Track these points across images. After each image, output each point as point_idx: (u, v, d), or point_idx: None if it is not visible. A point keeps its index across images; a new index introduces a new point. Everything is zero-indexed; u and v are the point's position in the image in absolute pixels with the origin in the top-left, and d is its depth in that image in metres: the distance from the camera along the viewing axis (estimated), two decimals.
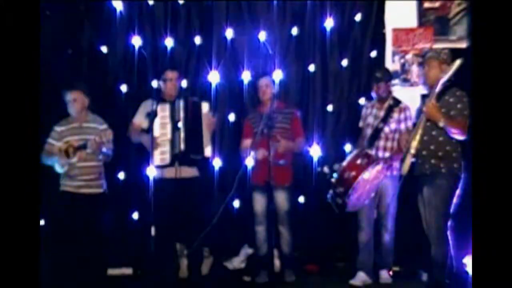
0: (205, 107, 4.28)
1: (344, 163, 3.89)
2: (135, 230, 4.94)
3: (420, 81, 4.94)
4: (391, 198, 4.21)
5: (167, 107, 4.19)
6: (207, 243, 4.13)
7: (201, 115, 4.23)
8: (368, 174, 3.84)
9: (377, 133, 4.25)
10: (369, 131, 4.33)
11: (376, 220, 4.34)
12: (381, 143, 4.26)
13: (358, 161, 3.87)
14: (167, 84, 4.30)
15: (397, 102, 4.33)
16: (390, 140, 4.26)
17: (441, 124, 3.52)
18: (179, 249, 4.45)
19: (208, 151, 4.24)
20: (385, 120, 4.25)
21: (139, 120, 4.32)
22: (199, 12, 5.17)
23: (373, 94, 4.42)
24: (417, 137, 3.59)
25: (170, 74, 4.31)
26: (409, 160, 3.62)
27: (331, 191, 3.94)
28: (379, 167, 3.96)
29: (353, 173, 3.80)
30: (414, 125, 3.90)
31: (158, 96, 4.28)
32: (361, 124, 4.52)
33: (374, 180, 3.95)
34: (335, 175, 3.88)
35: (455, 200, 3.64)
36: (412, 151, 3.59)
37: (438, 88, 3.52)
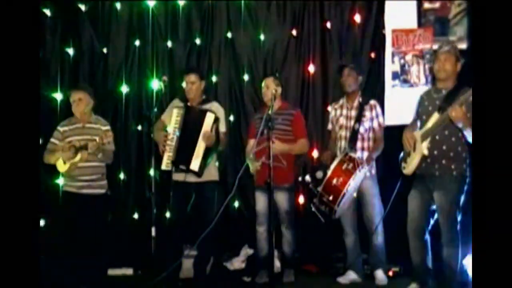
0: (209, 118, 4.10)
1: (329, 171, 3.84)
2: (135, 230, 4.95)
3: (421, 81, 4.93)
4: (375, 198, 4.20)
5: (181, 112, 4.19)
6: (208, 243, 4.11)
7: (201, 125, 4.08)
8: (356, 178, 3.83)
9: (355, 134, 4.19)
10: (343, 133, 4.31)
11: (364, 222, 4.30)
12: (358, 143, 4.22)
13: (344, 166, 3.85)
14: (186, 88, 4.32)
15: (365, 99, 4.29)
16: (366, 139, 4.25)
17: (465, 130, 3.43)
18: (184, 250, 4.45)
19: (195, 164, 4.06)
20: (359, 119, 4.20)
21: (164, 116, 4.35)
22: (199, 12, 5.18)
23: (344, 86, 4.37)
24: (429, 138, 3.56)
25: (187, 78, 4.31)
26: (417, 160, 3.61)
27: (315, 200, 3.89)
28: (364, 169, 3.96)
29: (341, 179, 3.79)
30: (415, 121, 3.85)
31: (184, 98, 4.34)
32: (330, 126, 4.51)
33: (358, 182, 3.95)
34: (319, 185, 3.83)
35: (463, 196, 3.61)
36: (425, 152, 3.55)
37: (468, 98, 3.32)
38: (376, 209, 4.21)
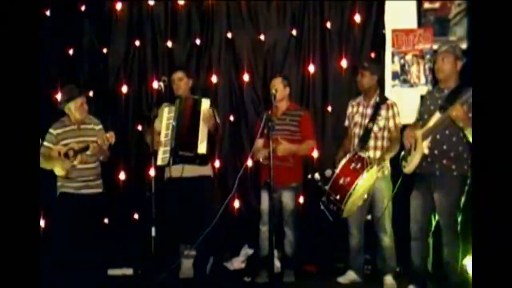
0: (205, 103, 4.20)
1: (338, 170, 3.80)
2: (135, 230, 4.94)
3: (421, 81, 4.92)
4: (385, 200, 4.11)
5: (173, 108, 4.23)
6: (208, 243, 4.11)
7: (199, 112, 4.16)
8: (364, 178, 3.77)
9: (368, 133, 4.14)
10: (357, 130, 4.26)
11: (372, 223, 4.27)
12: (371, 142, 4.15)
13: (352, 166, 3.79)
14: (173, 85, 4.38)
15: (383, 98, 4.25)
16: (380, 139, 4.18)
17: (465, 130, 3.44)
18: (182, 250, 4.45)
19: (202, 147, 4.12)
20: (374, 118, 4.15)
21: (156, 124, 4.35)
22: (199, 12, 5.18)
23: (359, 85, 4.35)
24: (430, 137, 3.55)
25: (174, 75, 4.38)
26: (417, 159, 3.60)
27: (324, 198, 3.86)
28: (374, 169, 3.88)
29: (348, 179, 3.73)
30: (417, 120, 3.84)
31: (173, 97, 4.35)
32: (346, 123, 4.45)
33: (367, 183, 3.90)
34: (327, 183, 3.80)
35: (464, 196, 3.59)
36: (426, 151, 3.54)
37: (469, 98, 3.31)
38: (385, 212, 4.11)
